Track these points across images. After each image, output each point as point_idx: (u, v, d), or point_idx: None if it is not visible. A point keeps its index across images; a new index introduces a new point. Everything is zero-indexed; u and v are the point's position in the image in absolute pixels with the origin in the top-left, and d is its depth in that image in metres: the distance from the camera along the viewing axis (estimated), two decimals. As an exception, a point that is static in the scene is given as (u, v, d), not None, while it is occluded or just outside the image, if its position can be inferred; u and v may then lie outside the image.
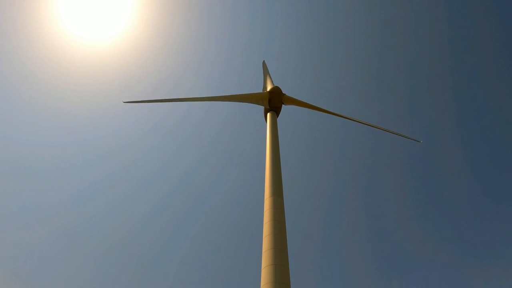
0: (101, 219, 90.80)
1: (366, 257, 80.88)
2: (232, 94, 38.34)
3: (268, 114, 36.50)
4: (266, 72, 45.85)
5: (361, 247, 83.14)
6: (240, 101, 38.02)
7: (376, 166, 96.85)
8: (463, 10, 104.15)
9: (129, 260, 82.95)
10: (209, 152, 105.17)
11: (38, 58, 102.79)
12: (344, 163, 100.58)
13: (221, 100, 37.13)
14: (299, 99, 39.54)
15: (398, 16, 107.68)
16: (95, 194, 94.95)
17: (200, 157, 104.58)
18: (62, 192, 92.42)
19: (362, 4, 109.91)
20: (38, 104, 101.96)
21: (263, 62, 50.15)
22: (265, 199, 25.54)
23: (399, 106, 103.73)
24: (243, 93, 39.23)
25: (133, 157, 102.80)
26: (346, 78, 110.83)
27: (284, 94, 38.46)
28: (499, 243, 77.31)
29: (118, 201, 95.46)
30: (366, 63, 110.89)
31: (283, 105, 38.92)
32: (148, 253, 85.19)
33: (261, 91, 44.70)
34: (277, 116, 37.37)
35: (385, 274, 78.29)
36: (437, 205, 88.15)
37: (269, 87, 40.26)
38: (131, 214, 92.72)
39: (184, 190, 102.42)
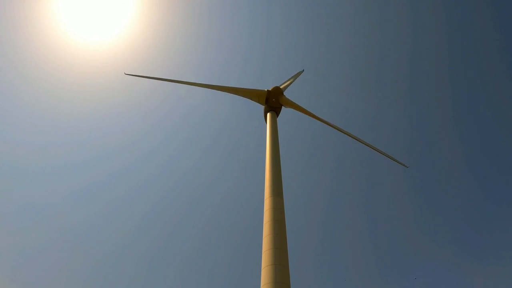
0: (100, 219, 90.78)
1: (366, 257, 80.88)
2: (232, 92, 38.82)
3: (268, 114, 36.55)
4: (294, 78, 45.45)
5: (361, 247, 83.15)
6: (238, 94, 38.69)
7: (376, 166, 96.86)
8: (463, 9, 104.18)
9: (129, 260, 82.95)
10: (209, 152, 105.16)
11: (38, 58, 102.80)
12: (344, 163, 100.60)
13: (220, 90, 38.10)
14: (299, 100, 39.83)
15: (398, 16, 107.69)
16: (95, 194, 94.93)
17: (200, 157, 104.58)
18: (62, 192, 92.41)
19: (362, 4, 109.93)
20: (38, 104, 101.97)
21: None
22: (265, 199, 25.55)
23: (399, 106, 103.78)
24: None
25: (133, 158, 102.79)
26: (347, 78, 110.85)
27: (283, 95, 38.58)
28: (499, 243, 77.32)
29: (118, 201, 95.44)
30: (366, 63, 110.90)
31: (283, 106, 39.02)
32: (148, 253, 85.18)
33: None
34: (277, 116, 37.44)
35: (385, 274, 78.29)
36: (437, 205, 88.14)
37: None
38: (131, 215, 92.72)
39: (184, 190, 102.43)
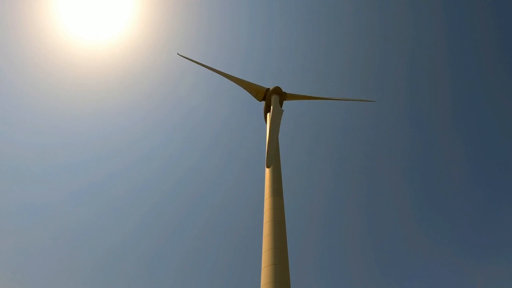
0: (100, 219, 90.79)
1: (366, 257, 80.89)
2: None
3: (268, 114, 36.58)
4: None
5: (361, 247, 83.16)
6: (241, 85, 40.38)
7: (376, 166, 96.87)
8: (463, 9, 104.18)
9: (129, 260, 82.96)
10: (209, 152, 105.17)
11: (38, 58, 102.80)
12: (343, 163, 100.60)
13: (228, 78, 40.68)
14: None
15: (399, 14, 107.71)
16: (95, 194, 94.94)
17: (200, 157, 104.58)
18: (62, 192, 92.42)
19: (362, 4, 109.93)
20: (38, 104, 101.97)
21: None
22: (265, 199, 25.54)
23: (399, 104, 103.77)
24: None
25: (133, 158, 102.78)
26: (346, 77, 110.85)
27: (275, 96, 38.63)
28: (499, 243, 77.33)
29: (118, 201, 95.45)
30: (366, 63, 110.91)
31: (282, 104, 39.08)
32: (148, 254, 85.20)
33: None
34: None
35: (385, 274, 78.29)
36: (436, 205, 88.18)
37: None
38: (131, 215, 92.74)
39: (184, 190, 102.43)
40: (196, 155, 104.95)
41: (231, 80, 40.61)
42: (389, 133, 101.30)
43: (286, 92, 39.92)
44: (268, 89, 39.01)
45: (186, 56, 44.55)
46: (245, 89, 40.38)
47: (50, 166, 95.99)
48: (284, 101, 39.81)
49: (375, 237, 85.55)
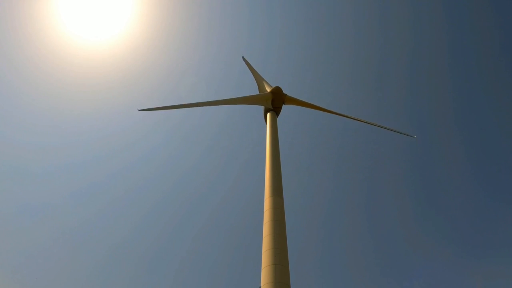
0: (100, 219, 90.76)
1: (366, 257, 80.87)
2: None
3: (268, 114, 36.49)
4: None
5: (361, 247, 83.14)
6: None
7: (376, 166, 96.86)
8: (463, 8, 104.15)
9: (129, 260, 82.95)
10: (209, 152, 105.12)
11: (38, 58, 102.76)
12: (344, 163, 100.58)
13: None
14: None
15: (398, 14, 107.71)
16: (95, 194, 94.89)
17: (200, 157, 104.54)
18: (62, 192, 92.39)
19: (362, 3, 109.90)
20: (38, 104, 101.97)
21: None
22: (265, 199, 25.54)
23: (399, 104, 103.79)
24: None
25: (133, 158, 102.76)
26: (346, 77, 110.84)
27: (286, 94, 38.38)
28: (499, 243, 77.30)
29: (118, 201, 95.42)
30: (366, 62, 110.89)
31: (283, 105, 38.89)
32: (148, 254, 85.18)
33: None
34: (277, 116, 37.37)
35: (385, 274, 78.29)
36: (436, 205, 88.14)
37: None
38: (131, 215, 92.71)
39: (184, 190, 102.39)
40: (196, 155, 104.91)
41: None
42: (389, 133, 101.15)
43: (287, 94, 38.63)
44: (273, 92, 38.59)
45: (248, 62, 45.62)
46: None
47: (50, 166, 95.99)
48: (284, 105, 38.61)
49: (375, 237, 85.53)
